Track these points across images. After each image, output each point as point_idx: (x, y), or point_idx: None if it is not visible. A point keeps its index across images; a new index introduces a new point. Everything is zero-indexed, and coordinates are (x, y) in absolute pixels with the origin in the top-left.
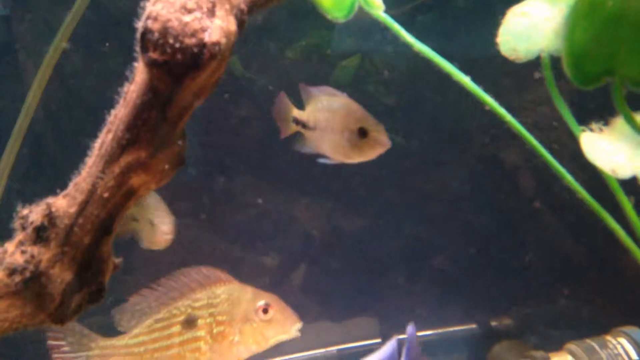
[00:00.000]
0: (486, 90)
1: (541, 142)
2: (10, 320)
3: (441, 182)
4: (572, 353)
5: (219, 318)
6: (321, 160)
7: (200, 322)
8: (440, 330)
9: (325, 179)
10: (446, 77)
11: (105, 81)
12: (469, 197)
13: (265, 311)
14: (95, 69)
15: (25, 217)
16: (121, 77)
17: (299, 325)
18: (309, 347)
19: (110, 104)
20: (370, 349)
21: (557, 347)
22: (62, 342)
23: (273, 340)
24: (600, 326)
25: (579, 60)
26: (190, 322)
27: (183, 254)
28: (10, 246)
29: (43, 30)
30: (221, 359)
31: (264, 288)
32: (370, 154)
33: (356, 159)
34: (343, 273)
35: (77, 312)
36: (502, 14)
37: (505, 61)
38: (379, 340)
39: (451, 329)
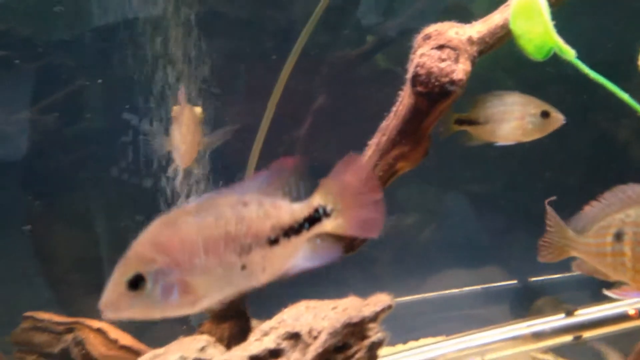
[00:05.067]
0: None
1: None
2: None
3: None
4: None
5: None
6: (498, 144)
7: (625, 237)
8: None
9: (469, 161)
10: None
11: None
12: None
13: None
14: None
15: None
16: None
17: None
18: (455, 286)
19: None
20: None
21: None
22: (547, 240)
23: None
24: None
25: None
26: (618, 236)
27: None
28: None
29: None
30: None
31: (406, 241)
32: (548, 130)
33: (536, 136)
34: (473, 230)
35: (357, 248)
36: None
37: None
38: (515, 281)
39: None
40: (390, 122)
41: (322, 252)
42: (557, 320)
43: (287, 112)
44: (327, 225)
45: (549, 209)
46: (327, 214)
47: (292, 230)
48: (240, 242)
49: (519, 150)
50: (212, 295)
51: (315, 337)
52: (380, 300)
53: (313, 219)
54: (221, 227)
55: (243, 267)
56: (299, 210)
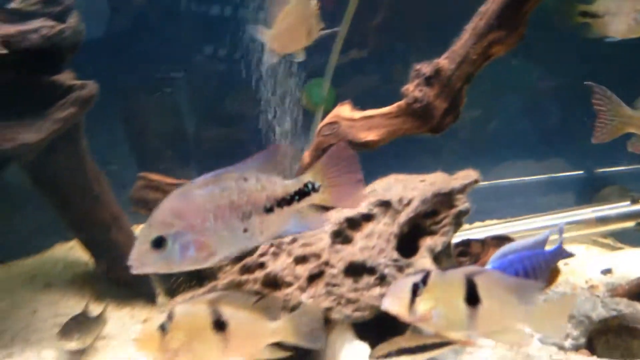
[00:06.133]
0: None
1: None
2: (404, 129)
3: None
4: None
5: None
6: (608, 40)
7: None
8: None
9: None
10: None
11: None
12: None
13: None
14: None
15: (418, 70)
16: None
17: None
18: (521, 175)
19: None
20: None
21: None
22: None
23: None
24: None
25: None
26: None
27: None
28: (410, 87)
29: None
30: None
31: (474, 131)
32: None
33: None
34: (541, 123)
35: (447, 127)
36: None
37: None
38: (582, 172)
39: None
40: (489, 7)
41: (310, 220)
42: (622, 207)
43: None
44: (315, 198)
45: (597, 87)
46: (315, 189)
47: (285, 201)
48: (242, 210)
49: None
50: (222, 252)
51: (406, 205)
52: (468, 175)
53: (303, 192)
54: (226, 197)
55: (245, 230)
56: (290, 185)
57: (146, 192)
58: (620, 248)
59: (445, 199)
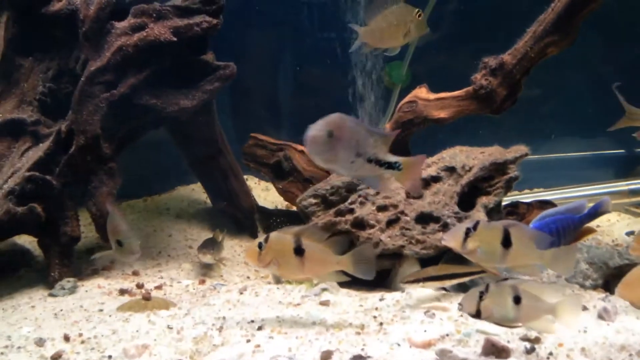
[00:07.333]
0: None
1: None
2: (470, 110)
3: None
4: None
5: None
6: None
7: None
8: None
9: None
10: None
11: None
12: None
13: None
14: None
15: (485, 62)
16: None
17: None
18: (567, 151)
19: None
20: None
21: None
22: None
23: None
24: None
25: None
26: None
27: None
28: (478, 76)
29: None
30: None
31: (530, 110)
32: None
33: None
34: (590, 104)
35: (505, 110)
36: None
37: None
38: (623, 151)
39: None
40: (547, 16)
41: (383, 184)
42: None
43: None
44: (394, 174)
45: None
46: (398, 168)
47: (378, 162)
48: (359, 149)
49: None
50: (336, 164)
51: (467, 171)
52: (519, 149)
53: (391, 165)
54: (355, 136)
55: (351, 162)
56: (388, 156)
57: (255, 149)
58: None
59: (499, 167)
